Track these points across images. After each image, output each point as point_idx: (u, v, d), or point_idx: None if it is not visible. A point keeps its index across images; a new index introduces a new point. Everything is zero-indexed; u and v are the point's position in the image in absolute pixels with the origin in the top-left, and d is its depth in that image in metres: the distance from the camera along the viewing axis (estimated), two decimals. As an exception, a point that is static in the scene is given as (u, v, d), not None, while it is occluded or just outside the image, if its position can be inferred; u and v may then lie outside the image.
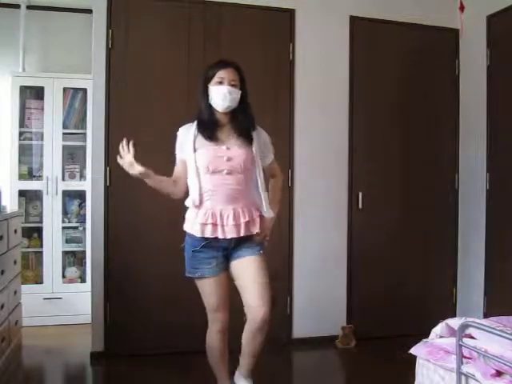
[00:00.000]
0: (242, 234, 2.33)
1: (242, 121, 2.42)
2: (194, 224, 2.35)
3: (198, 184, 2.35)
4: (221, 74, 2.36)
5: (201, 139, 2.38)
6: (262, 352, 2.42)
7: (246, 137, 2.40)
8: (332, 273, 3.78)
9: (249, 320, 2.35)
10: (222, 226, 2.32)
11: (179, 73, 3.47)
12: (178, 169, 2.46)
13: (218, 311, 2.40)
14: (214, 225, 2.31)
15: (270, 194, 2.51)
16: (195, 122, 2.43)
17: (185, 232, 2.42)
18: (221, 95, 2.34)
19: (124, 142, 2.24)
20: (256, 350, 2.40)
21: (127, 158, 2.24)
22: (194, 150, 2.36)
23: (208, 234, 2.31)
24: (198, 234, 2.32)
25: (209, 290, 2.38)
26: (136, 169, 2.23)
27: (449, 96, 4.04)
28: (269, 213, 2.45)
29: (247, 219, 2.35)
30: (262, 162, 2.47)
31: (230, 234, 2.32)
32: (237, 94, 2.37)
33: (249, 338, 2.37)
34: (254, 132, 2.44)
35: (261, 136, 2.47)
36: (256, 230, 2.39)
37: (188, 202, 2.41)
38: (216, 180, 2.33)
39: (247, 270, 2.36)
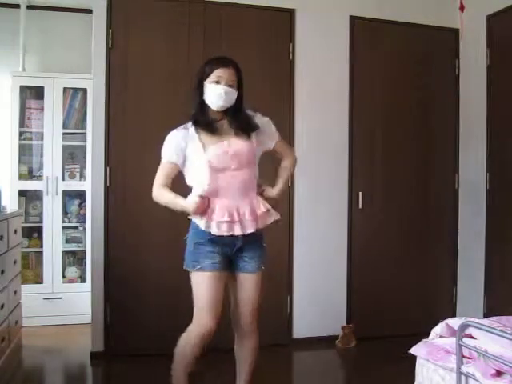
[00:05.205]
0: (260, 226, 2.27)
1: (237, 118, 2.31)
2: (202, 218, 2.23)
3: (208, 182, 2.25)
4: (219, 72, 2.25)
5: (204, 137, 2.27)
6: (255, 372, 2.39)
7: (244, 132, 2.30)
8: (332, 273, 3.78)
9: (237, 328, 2.36)
10: (240, 221, 2.23)
11: (179, 72, 3.46)
12: (168, 173, 2.31)
13: (209, 312, 2.23)
14: (231, 222, 2.21)
15: (279, 173, 2.42)
16: (190, 123, 2.31)
17: (189, 224, 2.31)
18: (216, 95, 2.25)
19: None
20: (246, 360, 2.37)
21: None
22: (204, 150, 2.24)
23: (224, 231, 2.21)
24: (203, 228, 2.20)
25: (205, 285, 2.23)
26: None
27: (449, 96, 4.05)
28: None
29: (263, 210, 2.28)
30: (266, 147, 2.38)
31: (250, 228, 2.24)
32: (233, 94, 2.28)
33: (238, 347, 2.38)
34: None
35: (259, 123, 2.35)
36: (272, 219, 2.31)
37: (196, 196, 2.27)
38: (227, 177, 2.24)
39: (246, 291, 2.32)
